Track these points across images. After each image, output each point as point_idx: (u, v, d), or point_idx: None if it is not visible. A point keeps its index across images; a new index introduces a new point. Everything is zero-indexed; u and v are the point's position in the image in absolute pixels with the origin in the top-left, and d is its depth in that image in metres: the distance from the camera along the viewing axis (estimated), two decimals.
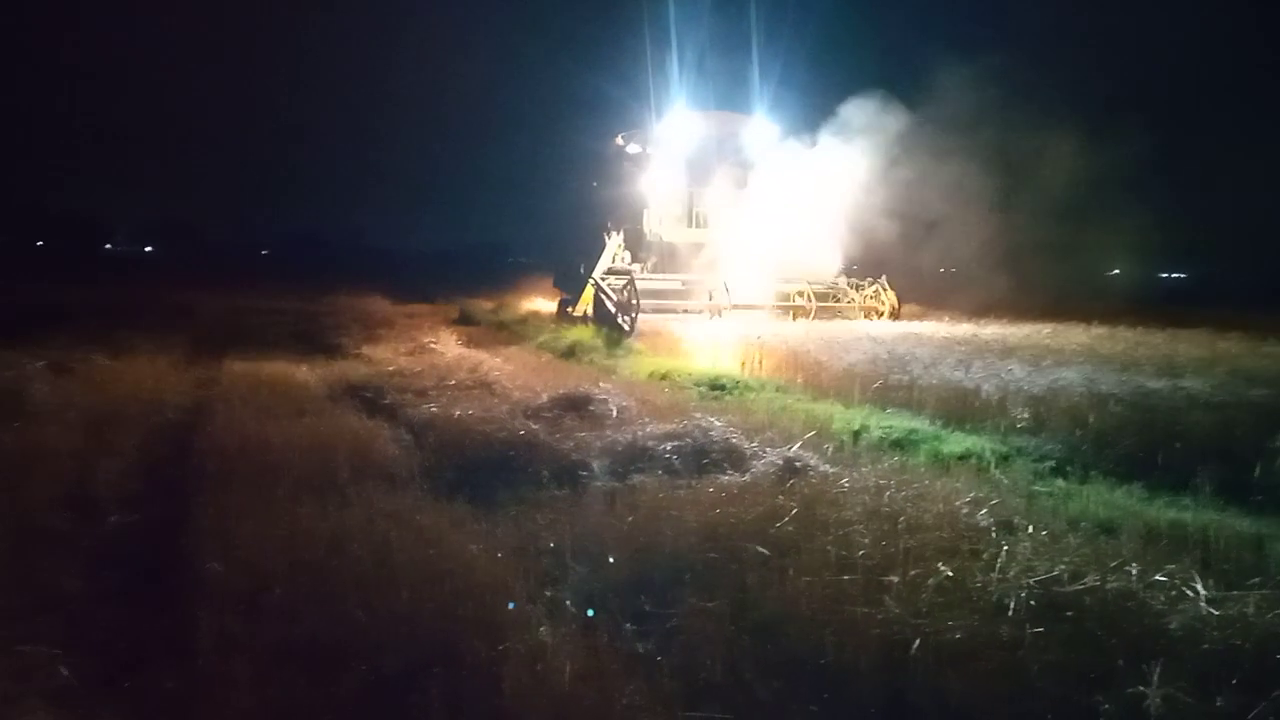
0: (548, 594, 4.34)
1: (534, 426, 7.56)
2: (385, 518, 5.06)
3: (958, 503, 5.24)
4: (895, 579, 4.06)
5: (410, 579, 4.14)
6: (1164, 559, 4.35)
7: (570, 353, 14.73)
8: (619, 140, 20.84)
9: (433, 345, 13.39)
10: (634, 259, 19.23)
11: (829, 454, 6.77)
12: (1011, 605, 3.67)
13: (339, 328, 16.82)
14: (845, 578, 4.15)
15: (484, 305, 24.71)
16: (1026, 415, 7.89)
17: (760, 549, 4.55)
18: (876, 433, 8.01)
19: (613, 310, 16.00)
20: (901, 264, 17.95)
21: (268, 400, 8.53)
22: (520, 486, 6.13)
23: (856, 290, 17.83)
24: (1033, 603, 3.67)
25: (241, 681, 3.48)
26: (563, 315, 20.84)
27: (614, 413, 8.15)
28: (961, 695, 3.19)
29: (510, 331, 18.70)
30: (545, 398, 8.53)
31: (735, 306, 16.21)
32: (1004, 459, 6.86)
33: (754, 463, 6.34)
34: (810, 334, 13.02)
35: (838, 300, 17.65)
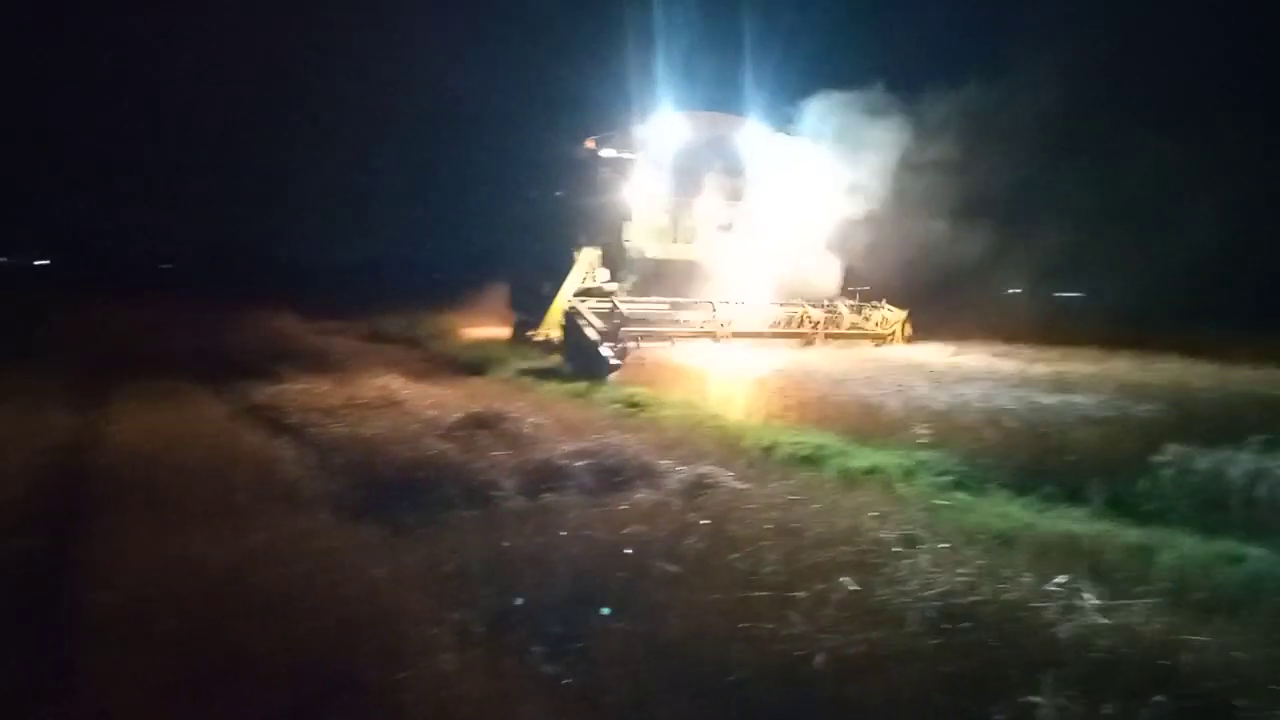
0: (454, 617, 4.25)
1: (444, 446, 7.46)
2: (285, 543, 4.91)
3: (863, 517, 5.35)
4: (802, 594, 4.12)
5: (310, 606, 4.02)
6: (1056, 569, 4.50)
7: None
8: (590, 144, 18.39)
9: (345, 364, 13.08)
10: (611, 278, 17.01)
11: (739, 469, 6.84)
12: (912, 618, 3.75)
13: (243, 345, 16.29)
14: (753, 594, 4.19)
15: (404, 324, 22.72)
16: (929, 431, 8.12)
17: (670, 567, 4.56)
18: (787, 448, 8.13)
19: (595, 339, 13.68)
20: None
21: (164, 421, 8.21)
22: (429, 508, 6.01)
23: (860, 314, 16.39)
24: (931, 615, 3.76)
25: (129, 718, 3.31)
26: (520, 340, 18.51)
27: (527, 431, 8.10)
28: (861, 709, 3.24)
29: (448, 358, 16.67)
30: (456, 416, 8.41)
31: (736, 334, 14.45)
32: (908, 473, 7.02)
33: (665, 480, 6.36)
34: (826, 362, 11.87)
35: (838, 324, 16.01)
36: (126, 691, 3.48)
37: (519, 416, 8.48)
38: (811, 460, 7.64)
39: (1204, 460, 6.62)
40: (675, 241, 17.73)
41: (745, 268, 16.02)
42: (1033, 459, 7.23)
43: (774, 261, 15.99)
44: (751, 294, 15.55)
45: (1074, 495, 6.57)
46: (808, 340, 15.09)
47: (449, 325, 22.52)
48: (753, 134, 17.75)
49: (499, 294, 22.25)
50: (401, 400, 9.42)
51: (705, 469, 6.48)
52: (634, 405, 10.80)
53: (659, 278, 16.81)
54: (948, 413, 8.36)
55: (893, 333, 15.96)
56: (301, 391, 10.12)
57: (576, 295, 15.53)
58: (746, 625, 3.87)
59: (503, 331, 20.52)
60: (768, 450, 8.09)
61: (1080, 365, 11.68)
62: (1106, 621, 3.79)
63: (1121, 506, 6.36)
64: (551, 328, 16.55)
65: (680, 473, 6.45)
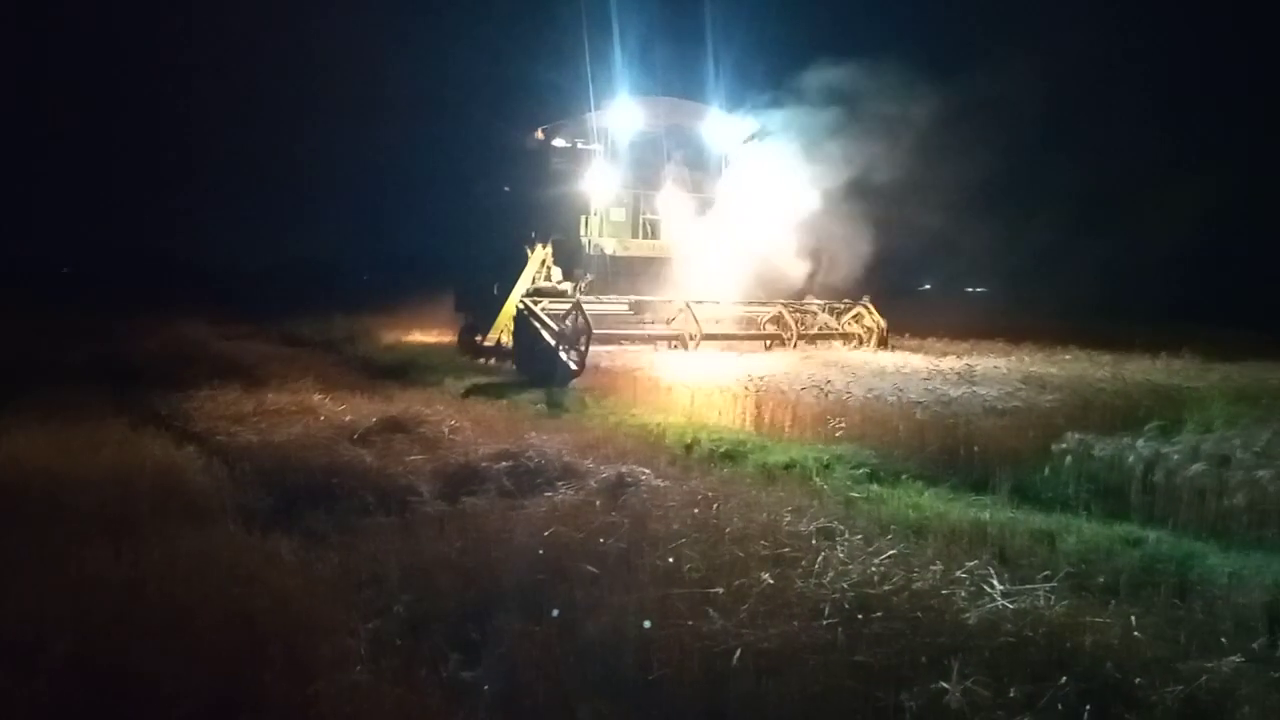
0: (369, 627, 4.16)
1: (360, 451, 7.30)
2: (189, 557, 4.71)
3: (781, 512, 5.42)
4: (720, 590, 4.14)
5: (215, 622, 3.86)
6: (965, 556, 4.63)
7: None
8: (540, 134, 17.02)
9: (255, 371, 12.66)
10: (566, 276, 15.79)
11: (661, 468, 6.86)
12: (827, 609, 3.80)
13: (147, 353, 15.66)
14: (673, 591, 4.18)
15: (326, 330, 21.65)
16: (844, 424, 8.28)
17: (590, 568, 4.54)
18: (707, 445, 8.20)
19: (552, 343, 12.42)
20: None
21: (61, 432, 7.79)
22: (344, 515, 5.89)
23: (833, 314, 15.32)
24: (846, 606, 3.82)
25: None
26: (467, 345, 17.39)
27: (446, 434, 7.98)
28: (777, 701, 3.27)
29: (369, 363, 15.85)
30: (373, 420, 8.24)
31: (707, 337, 13.37)
32: (825, 467, 7.16)
33: (587, 480, 6.34)
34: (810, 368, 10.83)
35: (810, 325, 14.95)
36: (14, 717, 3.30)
37: (437, 420, 8.36)
38: (731, 457, 7.72)
39: (1103, 447, 6.91)
40: (635, 237, 16.61)
41: (711, 265, 15.03)
42: (942, 450, 7.44)
43: (741, 258, 14.96)
44: (718, 293, 14.55)
45: (982, 484, 6.79)
46: (780, 343, 14.06)
47: (376, 329, 21.45)
48: (717, 122, 16.74)
49: (440, 296, 21.11)
50: (314, 406, 9.17)
51: (626, 468, 6.47)
52: (555, 405, 10.76)
53: (618, 276, 15.64)
54: (861, 406, 8.53)
55: (869, 332, 14.94)
56: (208, 399, 9.78)
57: (529, 295, 14.34)
58: (667, 623, 3.87)
59: (445, 336, 19.70)
60: (688, 448, 8.14)
61: (986, 358, 12.08)
62: (1013, 606, 3.90)
63: (1026, 494, 6.59)
64: (502, 331, 15.71)
65: (601, 472, 6.43)
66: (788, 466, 7.21)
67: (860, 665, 3.38)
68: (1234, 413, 8.32)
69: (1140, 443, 6.95)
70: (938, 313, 19.85)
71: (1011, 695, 3.21)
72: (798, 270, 15.51)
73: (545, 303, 13.46)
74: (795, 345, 13.87)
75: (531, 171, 17.06)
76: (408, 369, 14.71)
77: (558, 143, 16.79)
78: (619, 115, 16.27)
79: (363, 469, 6.75)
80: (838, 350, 13.86)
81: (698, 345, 13.05)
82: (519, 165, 17.63)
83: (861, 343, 14.64)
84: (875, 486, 6.59)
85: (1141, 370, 10.69)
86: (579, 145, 16.66)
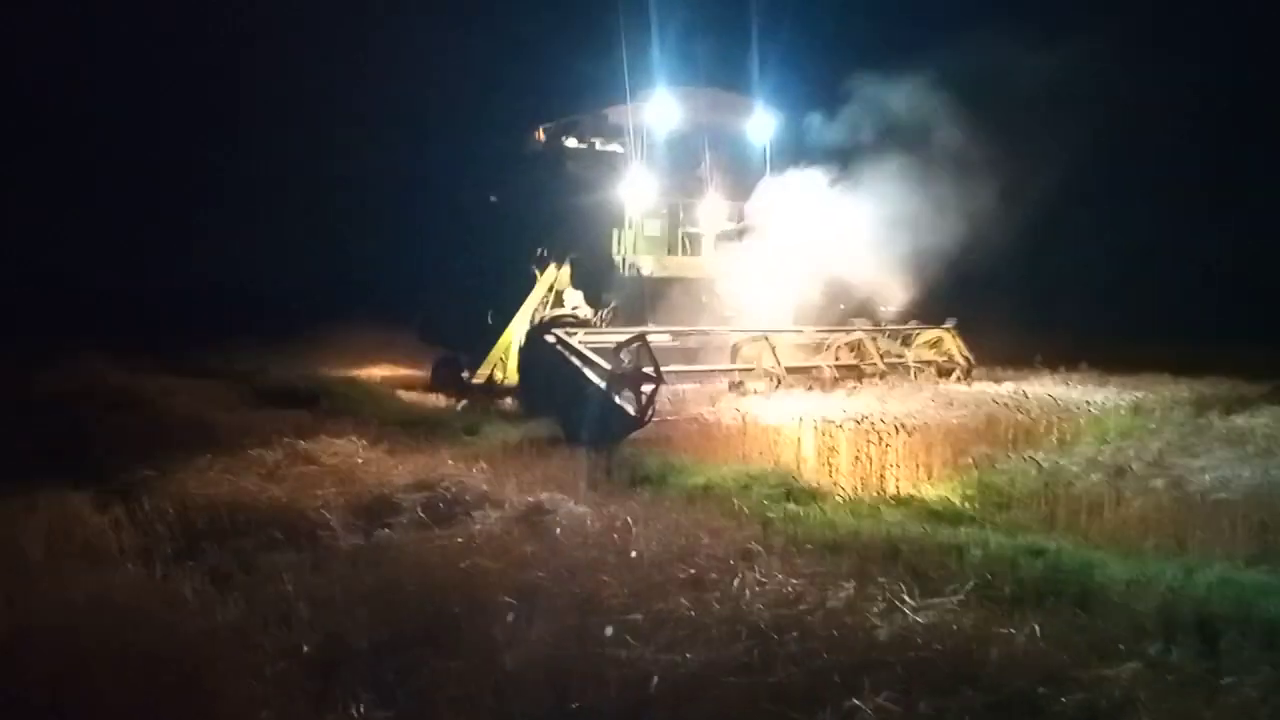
0: (278, 669, 4.01)
1: (268, 485, 7.08)
2: (83, 602, 4.48)
3: (699, 534, 5.45)
4: (639, 616, 4.14)
5: (108, 673, 3.68)
6: (878, 572, 4.74)
7: None
8: (540, 134, 14.68)
9: (158, 404, 12.16)
10: (589, 301, 13.31)
11: (580, 493, 6.84)
12: (744, 631, 3.84)
13: (41, 385, 14.86)
14: (591, 620, 4.17)
15: (246, 361, 18.70)
16: (763, 442, 8.41)
17: (507, 599, 4.48)
18: (627, 469, 8.20)
19: (601, 385, 9.54)
20: None
21: None
22: (251, 553, 5.68)
23: (903, 340, 12.99)
24: (762, 626, 3.87)
25: None
26: (446, 381, 15.00)
27: (360, 465, 7.81)
28: None
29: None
30: (282, 453, 8.01)
31: (790, 369, 11.13)
32: (743, 488, 7.24)
33: (505, 509, 6.28)
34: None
35: (900, 354, 12.68)
36: None
37: (351, 451, 8.18)
38: (651, 480, 7.74)
39: (1005, 461, 7.16)
40: (673, 254, 14.19)
41: (761, 287, 12.85)
42: (856, 467, 7.61)
43: (795, 279, 12.79)
44: (772, 319, 12.41)
45: (894, 500, 6.95)
46: (859, 376, 11.57)
47: (311, 362, 18.36)
48: (764, 119, 14.48)
49: (398, 326, 18.40)
50: (223, 441, 8.86)
51: (545, 495, 6.43)
52: (472, 433, 10.62)
53: (654, 300, 13.11)
54: (778, 425, 8.66)
55: (949, 360, 12.78)
56: (107, 434, 9.37)
57: (544, 325, 11.62)
58: (584, 652, 3.85)
59: (406, 372, 17.64)
60: (608, 472, 8.14)
61: (897, 376, 12.36)
62: (923, 620, 4.00)
63: (935, 508, 6.78)
64: (494, 365, 13.30)
65: (520, 500, 6.38)
66: (707, 488, 7.27)
67: (776, 686, 3.41)
68: (1129, 425, 8.73)
69: (1040, 455, 7.24)
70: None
71: (920, 709, 3.28)
72: (857, 291, 13.17)
73: (581, 334, 10.83)
74: (882, 377, 11.56)
75: (532, 179, 14.57)
76: (321, 400, 14.14)
77: (571, 144, 14.28)
78: (654, 110, 13.75)
79: (271, 503, 6.56)
80: (935, 382, 11.83)
81: (778, 384, 10.81)
82: (513, 172, 15.22)
83: (941, 373, 12.53)
84: (792, 506, 6.68)
85: (1042, 386, 11.12)
86: (597, 145, 14.19)
